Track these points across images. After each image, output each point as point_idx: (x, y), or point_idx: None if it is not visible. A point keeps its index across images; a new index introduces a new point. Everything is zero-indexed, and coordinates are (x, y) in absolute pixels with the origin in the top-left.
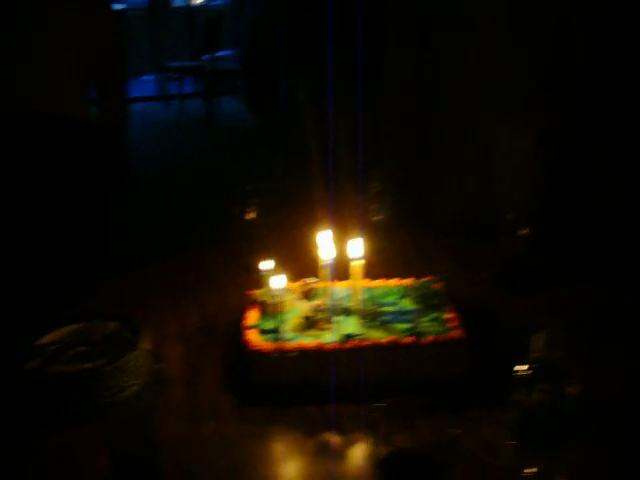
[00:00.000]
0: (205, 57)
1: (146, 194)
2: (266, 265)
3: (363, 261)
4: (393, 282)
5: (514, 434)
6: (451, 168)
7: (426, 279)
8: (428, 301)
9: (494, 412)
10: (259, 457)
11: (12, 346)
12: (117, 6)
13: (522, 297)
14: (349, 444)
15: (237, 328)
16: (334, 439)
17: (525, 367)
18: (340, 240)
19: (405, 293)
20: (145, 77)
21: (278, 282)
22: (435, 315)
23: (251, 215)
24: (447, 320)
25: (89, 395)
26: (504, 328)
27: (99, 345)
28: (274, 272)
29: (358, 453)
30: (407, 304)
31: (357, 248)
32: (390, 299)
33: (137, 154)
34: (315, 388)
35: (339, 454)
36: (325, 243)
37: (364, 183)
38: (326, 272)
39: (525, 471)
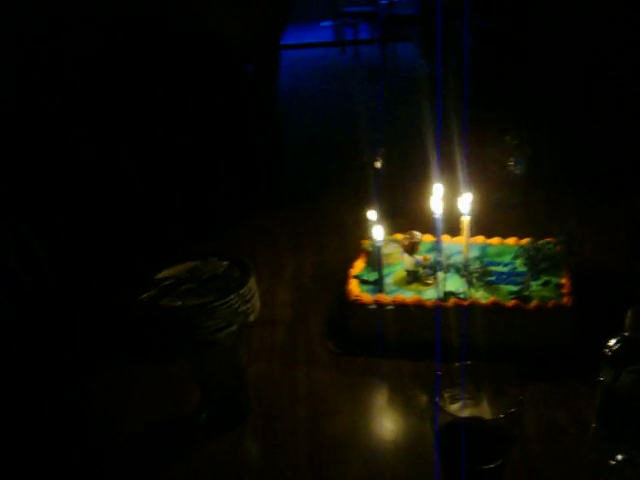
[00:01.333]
0: (382, 2)
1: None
2: (374, 215)
3: (470, 217)
4: (511, 240)
5: (598, 418)
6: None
7: (545, 240)
8: (543, 263)
9: (593, 388)
10: (344, 406)
11: (134, 277)
12: None
13: None
14: (434, 403)
15: (345, 277)
16: (421, 396)
17: (615, 344)
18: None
19: (520, 253)
20: (322, 23)
21: (381, 233)
22: (547, 279)
23: (378, 163)
24: (559, 285)
25: (188, 331)
26: (623, 298)
27: (208, 283)
28: (381, 223)
29: (440, 413)
30: (520, 265)
31: (466, 203)
32: (504, 259)
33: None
34: (412, 343)
35: (423, 412)
36: (438, 197)
37: (501, 135)
38: (437, 226)
39: (609, 457)
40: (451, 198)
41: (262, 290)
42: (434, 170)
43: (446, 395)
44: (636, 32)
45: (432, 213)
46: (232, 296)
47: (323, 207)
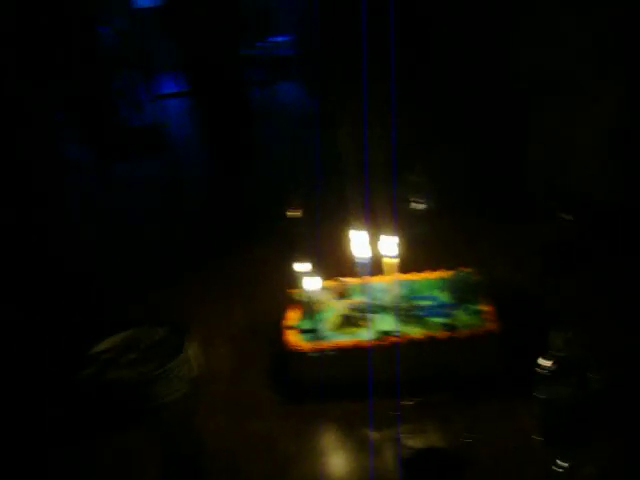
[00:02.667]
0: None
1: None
2: (302, 266)
3: (397, 259)
4: (432, 275)
5: (539, 430)
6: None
7: (465, 271)
8: (465, 294)
9: (529, 404)
10: (301, 454)
11: (67, 355)
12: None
13: (564, 284)
14: (386, 440)
15: (280, 328)
16: (371, 435)
17: (548, 363)
18: (376, 238)
19: (444, 286)
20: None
21: (313, 283)
22: (472, 308)
23: (294, 214)
24: (483, 312)
25: (141, 399)
26: (544, 318)
27: (148, 351)
28: (310, 273)
29: (394, 449)
30: (445, 297)
31: (391, 245)
32: (429, 293)
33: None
34: (353, 385)
35: (377, 450)
36: (360, 242)
37: (403, 175)
38: (362, 270)
39: (555, 466)
40: (372, 240)
41: (200, 348)
42: (352, 215)
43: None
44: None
45: (356, 258)
46: (175, 361)
47: (243, 262)
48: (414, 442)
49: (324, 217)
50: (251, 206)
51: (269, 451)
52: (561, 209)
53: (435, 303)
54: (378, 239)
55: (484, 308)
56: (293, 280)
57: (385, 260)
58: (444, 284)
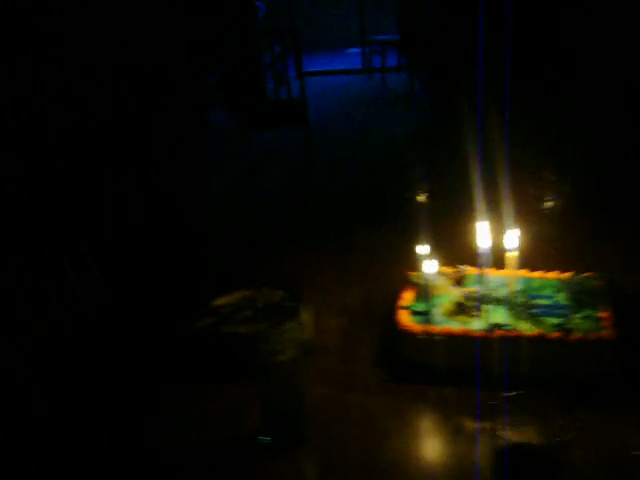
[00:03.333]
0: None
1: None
2: (423, 249)
3: (517, 252)
4: (552, 275)
5: None
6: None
7: (586, 274)
8: (584, 297)
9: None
10: (395, 431)
11: (190, 306)
12: None
13: None
14: (482, 430)
15: (394, 307)
16: (468, 423)
17: None
18: (500, 230)
19: (562, 287)
20: (350, 50)
21: (430, 267)
22: (589, 312)
23: (422, 198)
24: (600, 319)
25: (252, 355)
26: None
27: (263, 311)
28: (429, 256)
29: (488, 440)
30: (562, 298)
31: (513, 239)
32: (546, 292)
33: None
34: (458, 372)
35: (470, 438)
36: (483, 232)
37: (539, 171)
38: (482, 260)
39: None
40: (495, 232)
41: (313, 316)
42: (478, 205)
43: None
44: None
45: (478, 247)
46: (288, 323)
47: (365, 240)
48: (510, 435)
49: (450, 204)
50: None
51: (366, 425)
52: None
53: (551, 303)
54: (502, 232)
55: (601, 314)
56: (413, 262)
57: (507, 254)
58: (563, 285)
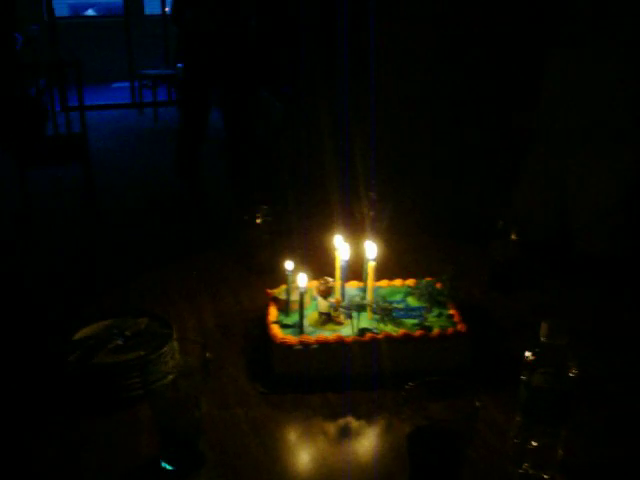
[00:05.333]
0: (180, 65)
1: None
2: (289, 265)
3: (374, 263)
4: (398, 282)
5: (521, 411)
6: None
7: (429, 279)
8: (433, 299)
9: (498, 397)
10: (287, 439)
11: (49, 341)
12: (91, 13)
13: (512, 298)
14: (365, 427)
15: (255, 324)
16: (351, 423)
17: (530, 353)
18: (351, 243)
19: (410, 292)
20: (118, 84)
21: (301, 280)
22: (440, 311)
23: (259, 220)
24: (451, 316)
25: (131, 384)
26: (497, 325)
27: (133, 339)
28: (295, 271)
29: (373, 435)
30: (413, 301)
31: (371, 250)
32: (396, 297)
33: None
34: (334, 377)
35: (356, 436)
36: (341, 245)
37: (364, 192)
38: (342, 272)
39: (529, 445)
40: (352, 244)
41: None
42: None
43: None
44: None
45: (338, 260)
46: (165, 348)
47: (209, 262)
48: (399, 425)
49: (303, 219)
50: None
51: (255, 436)
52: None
53: (405, 306)
54: (358, 243)
55: (451, 311)
56: (262, 281)
57: (367, 264)
58: (410, 290)
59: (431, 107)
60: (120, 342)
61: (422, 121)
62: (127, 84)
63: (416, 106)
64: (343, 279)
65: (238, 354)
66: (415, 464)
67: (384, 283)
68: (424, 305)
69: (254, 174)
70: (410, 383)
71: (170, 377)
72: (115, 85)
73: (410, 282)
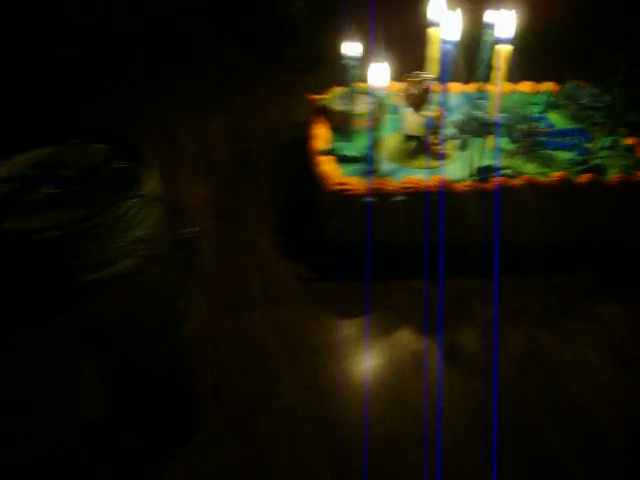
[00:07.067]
0: None
1: None
2: (351, 48)
3: (509, 47)
4: (528, 86)
5: None
6: None
7: (582, 83)
8: (592, 117)
9: None
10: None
11: None
12: None
13: None
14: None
15: (292, 153)
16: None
17: None
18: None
19: (553, 102)
20: None
21: (379, 75)
22: (613, 139)
23: None
24: (631, 148)
25: (60, 269)
26: None
27: (78, 183)
28: (364, 61)
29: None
30: (558, 120)
31: (504, 23)
32: (529, 111)
33: None
34: (420, 249)
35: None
36: (442, 13)
37: None
38: (443, 63)
39: None
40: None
41: (163, 185)
42: None
43: None
44: None
45: (433, 42)
46: (123, 203)
47: (229, 60)
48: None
49: None
50: None
51: (291, 362)
52: None
53: (553, 128)
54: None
55: (631, 141)
56: (303, 83)
57: (498, 48)
58: (557, 99)
59: None
60: (53, 190)
61: None
62: None
63: None
64: (445, 77)
65: (262, 206)
66: None
67: (507, 88)
68: (581, 126)
69: None
70: None
71: (129, 261)
72: None
73: (550, 86)
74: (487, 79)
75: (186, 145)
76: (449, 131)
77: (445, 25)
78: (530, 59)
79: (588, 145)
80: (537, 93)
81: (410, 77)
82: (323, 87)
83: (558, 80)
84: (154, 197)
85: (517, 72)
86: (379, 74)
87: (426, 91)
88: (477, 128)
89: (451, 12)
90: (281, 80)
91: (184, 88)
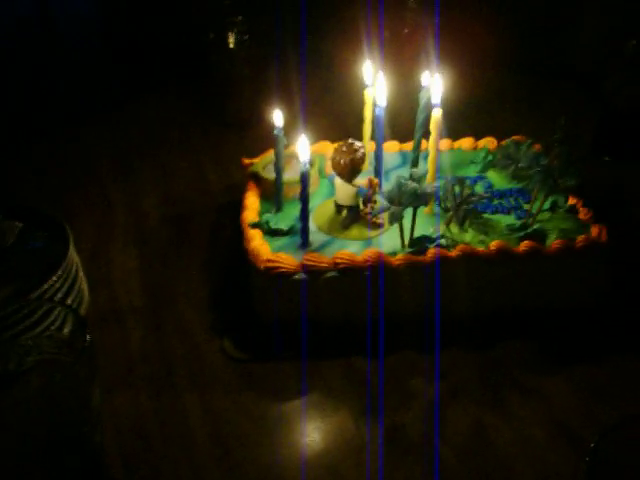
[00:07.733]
0: None
1: None
2: (278, 118)
3: (439, 111)
4: (466, 143)
5: None
6: None
7: (520, 138)
8: (531, 177)
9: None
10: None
11: None
12: None
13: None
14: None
15: (226, 220)
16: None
17: None
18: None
19: (491, 161)
20: None
21: (302, 146)
22: (554, 199)
23: (232, 41)
24: (574, 209)
25: None
26: None
27: None
28: (287, 130)
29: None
30: (497, 179)
31: (435, 87)
32: (466, 172)
33: None
34: (364, 328)
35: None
36: (373, 79)
37: None
38: (377, 129)
39: None
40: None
41: (85, 256)
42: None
43: None
44: None
45: (365, 107)
46: (44, 286)
47: (154, 115)
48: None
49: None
50: None
51: (219, 446)
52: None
53: (490, 189)
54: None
55: (572, 200)
56: (237, 143)
57: (430, 113)
58: (499, 160)
59: None
60: None
61: None
62: None
63: None
64: (380, 140)
65: (195, 278)
66: None
67: (445, 145)
68: (520, 186)
69: None
70: None
71: (31, 358)
72: None
73: (489, 142)
74: (425, 137)
75: (118, 210)
76: (380, 203)
77: (376, 87)
78: (470, 114)
79: (527, 206)
80: (475, 149)
81: (341, 145)
82: (261, 145)
83: (500, 134)
84: (72, 277)
85: (456, 130)
86: (303, 145)
87: (357, 161)
88: (410, 199)
89: (380, 74)
90: (216, 136)
91: (114, 146)
